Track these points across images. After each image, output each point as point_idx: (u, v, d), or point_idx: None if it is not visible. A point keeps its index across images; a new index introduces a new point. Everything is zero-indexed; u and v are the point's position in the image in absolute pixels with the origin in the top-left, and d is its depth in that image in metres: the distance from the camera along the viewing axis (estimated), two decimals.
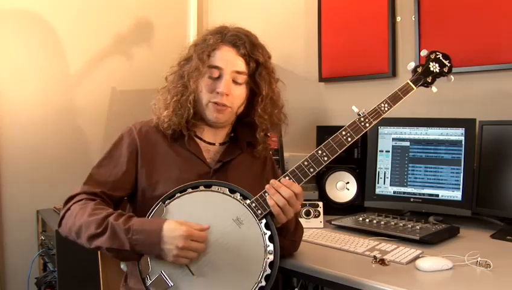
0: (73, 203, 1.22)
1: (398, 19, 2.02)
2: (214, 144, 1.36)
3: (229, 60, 1.28)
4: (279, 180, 1.20)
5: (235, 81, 1.29)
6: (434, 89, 1.38)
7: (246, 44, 1.29)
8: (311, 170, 1.22)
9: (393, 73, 2.04)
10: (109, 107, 2.56)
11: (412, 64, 1.39)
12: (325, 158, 1.23)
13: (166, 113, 1.28)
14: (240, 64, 1.29)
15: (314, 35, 2.30)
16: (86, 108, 2.48)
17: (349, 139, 1.25)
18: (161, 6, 2.75)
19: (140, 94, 2.59)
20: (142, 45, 2.66)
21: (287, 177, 1.21)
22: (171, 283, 1.11)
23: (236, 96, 1.30)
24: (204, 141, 1.35)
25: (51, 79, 2.38)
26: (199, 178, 1.22)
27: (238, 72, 1.28)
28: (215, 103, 1.27)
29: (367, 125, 1.27)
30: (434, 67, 1.38)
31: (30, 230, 2.32)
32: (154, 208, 1.16)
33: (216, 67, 1.27)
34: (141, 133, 1.31)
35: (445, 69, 1.38)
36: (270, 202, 1.17)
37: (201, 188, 1.19)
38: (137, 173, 1.28)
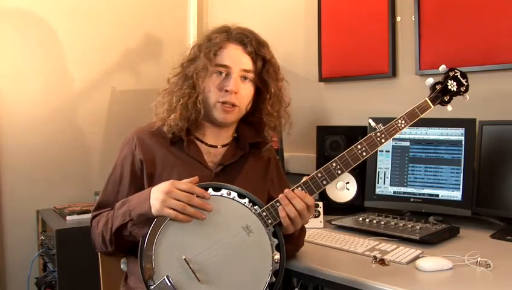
0: (91, 228, 1.32)
1: (398, 19, 2.02)
2: (215, 147, 1.35)
3: (237, 59, 1.28)
4: (292, 190, 1.18)
5: (242, 80, 1.29)
6: (449, 108, 1.36)
7: (253, 42, 1.29)
8: (324, 182, 1.21)
9: (393, 73, 2.04)
10: (109, 107, 2.56)
11: (430, 80, 1.36)
12: (339, 171, 1.22)
13: (173, 117, 1.27)
14: (247, 63, 1.29)
15: (314, 35, 2.30)
16: (86, 108, 2.48)
17: (364, 153, 1.24)
18: (161, 5, 2.75)
19: (140, 94, 2.59)
20: (142, 45, 2.65)
21: (299, 188, 1.20)
22: (175, 288, 1.10)
23: (244, 95, 1.29)
24: (206, 144, 1.34)
25: (51, 79, 2.38)
26: (199, 182, 1.21)
27: (246, 71, 1.28)
28: (224, 103, 1.27)
29: (383, 141, 1.25)
30: (452, 85, 1.35)
31: (30, 230, 2.32)
32: None
33: (224, 66, 1.27)
34: (138, 143, 1.31)
35: (463, 89, 1.36)
36: (281, 213, 1.16)
37: (211, 191, 1.17)
38: (140, 184, 1.28)
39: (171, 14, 2.79)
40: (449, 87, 1.34)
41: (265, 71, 1.31)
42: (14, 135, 2.28)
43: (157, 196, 1.13)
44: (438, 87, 1.33)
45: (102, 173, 2.44)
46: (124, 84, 2.60)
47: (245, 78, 1.29)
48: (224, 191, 1.17)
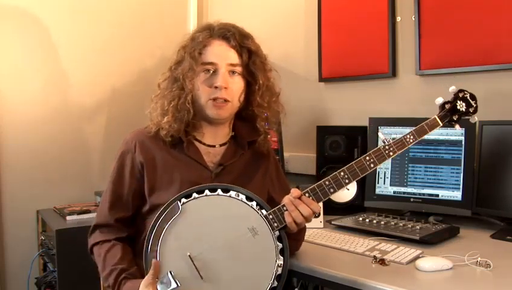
0: (94, 245, 1.30)
1: (398, 19, 2.02)
2: (214, 146, 1.34)
3: (222, 54, 1.27)
4: (299, 198, 1.19)
5: (231, 75, 1.28)
6: (458, 127, 1.37)
7: (236, 35, 1.28)
8: (332, 190, 1.22)
9: (393, 73, 2.03)
10: (109, 107, 2.56)
11: (440, 100, 1.37)
12: (347, 181, 1.23)
13: (166, 120, 1.27)
14: (233, 57, 1.28)
15: (314, 35, 2.30)
16: (86, 108, 2.48)
17: (372, 165, 1.25)
18: (161, 6, 2.75)
19: (141, 94, 2.59)
20: (142, 45, 2.66)
21: (307, 195, 1.21)
22: (178, 284, 1.10)
23: (235, 89, 1.29)
24: (204, 144, 1.33)
25: (51, 79, 2.38)
26: (200, 183, 1.21)
27: (233, 65, 1.28)
28: (214, 100, 1.26)
29: (391, 154, 1.26)
30: (461, 106, 1.36)
31: (30, 230, 2.32)
32: (168, 207, 1.16)
33: (210, 63, 1.27)
34: (138, 145, 1.30)
35: (471, 110, 1.37)
36: (288, 219, 1.17)
37: (219, 192, 1.18)
38: (141, 187, 1.28)
39: (171, 15, 2.79)
40: (458, 107, 1.35)
41: (251, 63, 1.30)
42: (14, 135, 2.28)
43: None
44: (448, 106, 1.34)
45: (103, 173, 2.44)
46: (124, 84, 2.60)
47: (233, 72, 1.28)
48: (232, 193, 1.18)
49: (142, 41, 2.66)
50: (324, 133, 2.02)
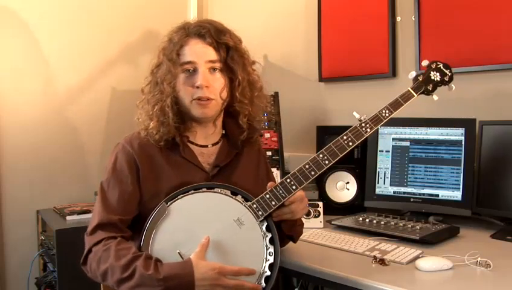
0: (94, 244, 1.18)
1: (398, 19, 2.02)
2: (206, 146, 1.33)
3: (199, 52, 1.25)
4: (281, 185, 1.21)
5: (211, 72, 1.26)
6: (435, 97, 1.41)
7: (211, 31, 1.26)
8: (312, 173, 1.23)
9: (393, 73, 2.04)
10: (109, 107, 2.56)
11: (413, 73, 1.41)
12: (326, 162, 1.24)
13: (153, 125, 1.26)
14: (211, 53, 1.26)
15: (314, 35, 2.30)
16: (86, 108, 2.48)
17: (350, 143, 1.26)
18: (161, 6, 2.75)
19: (140, 94, 2.59)
20: (142, 46, 2.65)
21: (288, 180, 1.21)
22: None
23: (217, 86, 1.27)
24: (197, 145, 1.32)
25: (51, 79, 2.38)
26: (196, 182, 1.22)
27: (212, 61, 1.26)
28: (198, 99, 1.25)
29: (368, 130, 1.28)
30: (435, 76, 1.40)
31: (30, 230, 2.33)
32: (157, 209, 1.17)
33: (189, 62, 1.25)
34: (134, 147, 1.27)
35: (446, 78, 1.42)
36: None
37: (204, 189, 1.20)
38: (140, 189, 1.25)
39: (171, 15, 2.79)
40: (432, 77, 1.40)
41: (229, 58, 1.28)
42: (14, 135, 2.28)
43: (205, 287, 1.08)
44: (420, 78, 1.39)
45: (102, 173, 2.43)
46: (124, 84, 2.60)
47: (213, 69, 1.26)
48: (217, 189, 1.21)
49: (142, 43, 2.66)
50: (324, 133, 2.03)
